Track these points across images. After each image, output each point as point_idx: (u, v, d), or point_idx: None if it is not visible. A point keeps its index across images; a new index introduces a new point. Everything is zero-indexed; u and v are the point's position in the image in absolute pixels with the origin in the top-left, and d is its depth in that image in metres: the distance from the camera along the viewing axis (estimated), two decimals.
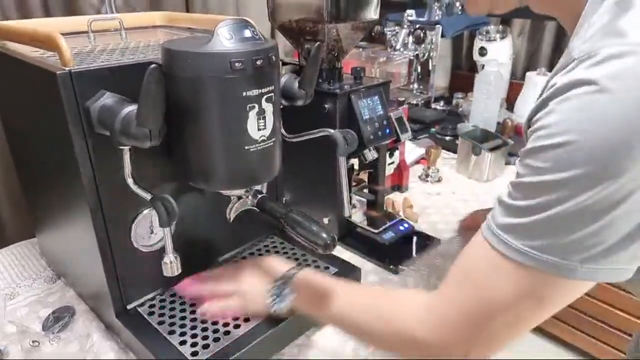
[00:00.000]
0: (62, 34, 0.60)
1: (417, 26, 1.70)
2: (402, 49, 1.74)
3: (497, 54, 1.76)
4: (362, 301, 0.63)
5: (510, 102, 1.84)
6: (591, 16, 0.45)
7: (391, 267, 0.95)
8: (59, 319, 0.81)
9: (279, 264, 0.71)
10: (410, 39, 1.72)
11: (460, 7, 1.84)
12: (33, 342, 0.75)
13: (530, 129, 0.47)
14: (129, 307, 0.75)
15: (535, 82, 1.69)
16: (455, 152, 1.42)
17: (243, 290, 0.70)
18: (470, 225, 0.97)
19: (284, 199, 1.09)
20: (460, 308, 0.51)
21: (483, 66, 1.71)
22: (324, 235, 0.62)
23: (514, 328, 0.50)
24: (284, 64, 1.17)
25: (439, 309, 0.53)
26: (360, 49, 1.72)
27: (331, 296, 0.63)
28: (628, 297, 1.51)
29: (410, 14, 1.73)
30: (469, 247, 0.52)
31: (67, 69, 0.58)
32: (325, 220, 1.04)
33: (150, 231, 0.73)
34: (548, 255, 0.44)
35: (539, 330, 1.86)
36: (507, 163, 1.40)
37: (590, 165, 0.41)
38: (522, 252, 0.45)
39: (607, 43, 0.41)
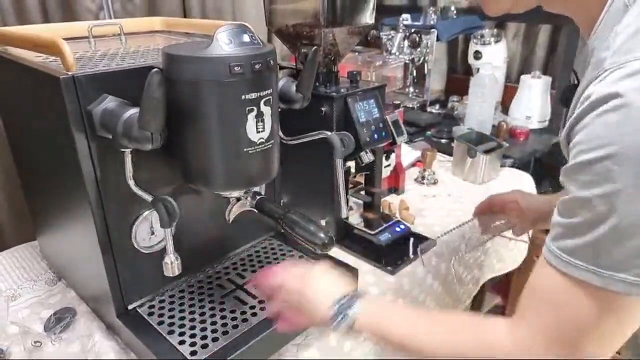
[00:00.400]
0: (67, 39, 0.62)
1: (413, 30, 1.72)
2: (397, 53, 1.76)
3: (492, 57, 1.78)
4: (434, 333, 0.60)
5: (505, 105, 1.85)
6: (615, 24, 0.47)
7: (388, 268, 0.96)
8: (61, 319, 0.82)
9: (344, 280, 0.67)
10: (406, 43, 1.74)
11: (455, 12, 1.87)
12: (35, 342, 0.76)
13: (570, 142, 0.48)
14: (129, 307, 0.76)
15: (530, 85, 1.71)
16: (450, 154, 1.43)
17: (307, 297, 0.64)
18: (485, 210, 0.99)
19: (282, 200, 1.10)
20: (547, 334, 0.51)
21: (478, 69, 1.73)
22: (322, 235, 0.63)
23: (602, 346, 0.50)
24: (281, 67, 1.19)
25: (526, 339, 0.52)
26: (357, 53, 1.74)
27: (399, 323, 0.61)
28: None
29: (406, 18, 1.75)
30: (536, 272, 0.52)
31: (70, 73, 0.59)
32: (323, 222, 1.05)
33: (150, 232, 0.74)
34: (615, 272, 0.45)
35: None
36: (502, 165, 1.42)
37: (636, 175, 0.42)
38: (591, 271, 0.46)
39: (635, 55, 0.43)
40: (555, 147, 1.70)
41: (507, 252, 1.33)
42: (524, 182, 1.38)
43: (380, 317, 0.62)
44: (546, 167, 1.90)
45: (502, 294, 1.95)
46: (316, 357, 0.78)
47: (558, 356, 0.50)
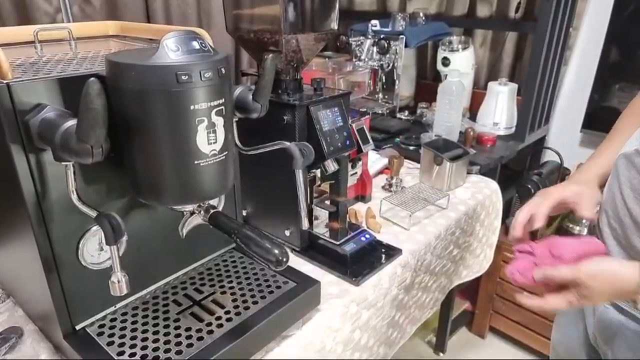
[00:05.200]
0: (11, 44, 0.58)
1: (381, 36, 1.71)
2: (367, 59, 1.76)
3: (460, 64, 1.79)
4: None
5: (473, 111, 1.87)
6: None
7: (352, 278, 0.95)
8: (6, 340, 0.77)
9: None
10: (375, 49, 1.74)
11: (423, 18, 1.88)
12: None
13: None
14: (77, 327, 0.72)
15: (497, 92, 1.72)
16: (419, 161, 1.43)
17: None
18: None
19: (245, 211, 1.07)
20: None
21: (446, 76, 1.74)
22: (276, 251, 0.61)
23: None
24: (244, 74, 1.16)
25: None
26: (327, 59, 1.73)
27: None
28: None
29: (375, 24, 1.75)
30: None
31: (5, 81, 0.56)
32: (287, 233, 1.03)
33: (99, 248, 0.70)
34: None
35: (516, 342, 1.90)
36: (469, 172, 1.42)
37: None
38: None
39: None
40: (520, 153, 1.72)
41: (473, 259, 1.33)
42: (490, 189, 1.39)
43: None
44: (512, 173, 1.92)
45: (470, 299, 1.97)
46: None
47: None
